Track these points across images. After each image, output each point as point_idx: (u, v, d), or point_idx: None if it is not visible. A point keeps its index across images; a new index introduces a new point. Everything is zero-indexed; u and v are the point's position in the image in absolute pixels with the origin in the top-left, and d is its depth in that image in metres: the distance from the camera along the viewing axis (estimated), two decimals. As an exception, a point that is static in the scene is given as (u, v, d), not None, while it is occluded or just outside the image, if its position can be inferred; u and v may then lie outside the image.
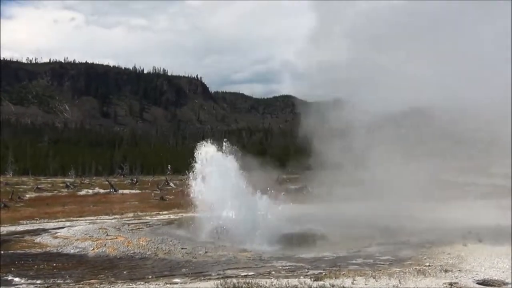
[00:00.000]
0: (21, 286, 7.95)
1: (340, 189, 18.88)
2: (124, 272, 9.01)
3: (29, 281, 8.31)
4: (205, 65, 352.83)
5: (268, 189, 14.39)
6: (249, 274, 8.45)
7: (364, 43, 18.07)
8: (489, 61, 15.02)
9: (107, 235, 12.56)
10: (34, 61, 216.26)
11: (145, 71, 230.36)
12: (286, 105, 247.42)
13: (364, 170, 18.79)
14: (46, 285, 7.97)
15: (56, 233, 13.50)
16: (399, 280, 7.40)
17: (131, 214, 20.10)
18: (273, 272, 8.59)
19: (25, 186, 36.79)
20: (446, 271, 8.09)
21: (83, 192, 34.02)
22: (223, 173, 13.81)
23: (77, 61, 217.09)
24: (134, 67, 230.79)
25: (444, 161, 18.46)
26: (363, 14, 17.66)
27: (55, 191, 34.39)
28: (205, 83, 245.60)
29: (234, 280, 7.57)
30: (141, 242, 11.58)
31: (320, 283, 7.34)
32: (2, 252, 11.09)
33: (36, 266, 9.59)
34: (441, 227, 13.25)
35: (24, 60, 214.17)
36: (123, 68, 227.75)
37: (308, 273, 8.36)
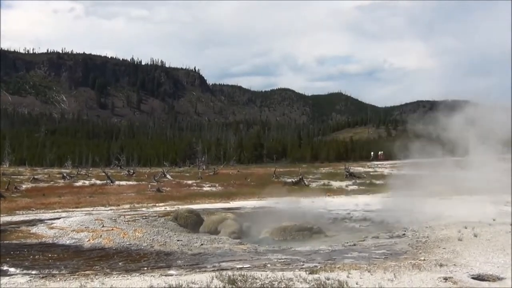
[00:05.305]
0: (16, 277, 7.93)
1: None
2: (120, 264, 9.01)
3: (25, 271, 8.30)
4: (204, 57, 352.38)
5: None
6: (245, 266, 8.47)
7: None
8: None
9: (103, 226, 12.55)
10: (31, 51, 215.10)
11: (143, 63, 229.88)
12: (284, 98, 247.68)
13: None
14: (41, 275, 7.96)
15: (52, 223, 13.48)
16: (394, 274, 7.42)
17: (127, 206, 20.05)
18: (269, 265, 8.61)
19: (21, 177, 36.67)
20: (441, 265, 8.11)
21: (80, 183, 33.90)
22: None
23: (74, 52, 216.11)
24: (132, 58, 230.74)
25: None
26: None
27: (52, 182, 34.29)
28: (203, 75, 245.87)
29: (230, 273, 7.58)
30: (136, 233, 11.57)
31: (315, 276, 7.36)
32: (-3, 242, 11.08)
33: (31, 257, 9.57)
34: (437, 221, 13.28)
35: (22, 50, 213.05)
36: (121, 59, 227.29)
37: (303, 266, 8.38)
